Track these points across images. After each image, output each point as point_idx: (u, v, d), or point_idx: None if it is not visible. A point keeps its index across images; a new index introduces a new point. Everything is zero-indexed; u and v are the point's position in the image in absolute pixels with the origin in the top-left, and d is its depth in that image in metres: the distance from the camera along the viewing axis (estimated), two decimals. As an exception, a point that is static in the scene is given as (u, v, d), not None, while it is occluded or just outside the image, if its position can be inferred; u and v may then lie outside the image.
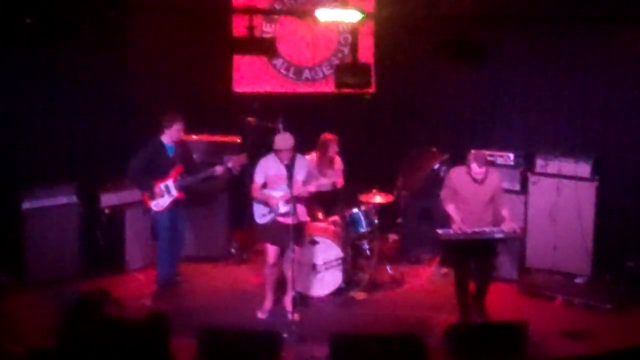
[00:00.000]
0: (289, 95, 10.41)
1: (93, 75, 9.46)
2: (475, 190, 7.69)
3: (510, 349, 5.85)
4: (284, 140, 7.77)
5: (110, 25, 9.13)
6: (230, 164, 8.29)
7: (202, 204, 9.23)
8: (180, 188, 8.36)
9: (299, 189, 7.72)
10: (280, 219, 7.83)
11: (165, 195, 8.31)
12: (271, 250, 7.99)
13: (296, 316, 7.74)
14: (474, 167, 7.59)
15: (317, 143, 9.00)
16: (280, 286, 8.20)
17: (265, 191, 7.88)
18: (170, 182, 8.32)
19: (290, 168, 7.74)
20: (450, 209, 7.80)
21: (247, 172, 8.39)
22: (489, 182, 7.73)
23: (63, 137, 9.42)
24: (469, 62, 9.13)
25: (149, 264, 9.09)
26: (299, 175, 7.82)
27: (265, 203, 7.86)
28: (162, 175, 8.30)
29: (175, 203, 8.39)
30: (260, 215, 7.95)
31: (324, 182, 8.10)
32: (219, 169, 8.34)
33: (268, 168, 7.88)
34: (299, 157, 7.90)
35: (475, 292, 7.93)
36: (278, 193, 7.83)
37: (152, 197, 8.30)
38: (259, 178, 7.92)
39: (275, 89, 10.49)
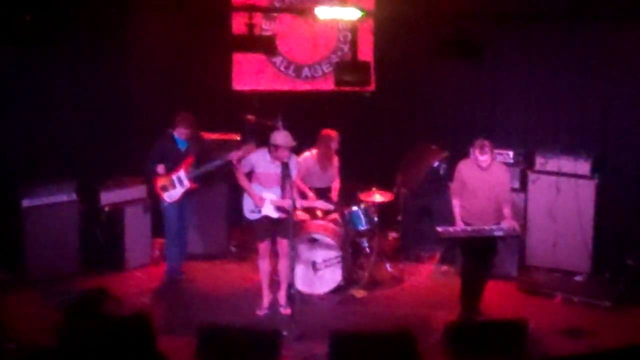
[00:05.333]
0: (288, 93, 10.40)
1: (92, 72, 9.45)
2: (483, 180, 7.66)
3: (509, 346, 5.85)
4: (285, 137, 7.73)
5: (109, 22, 9.15)
6: (241, 153, 8.30)
7: (201, 199, 9.28)
8: (192, 179, 8.42)
9: (296, 200, 7.63)
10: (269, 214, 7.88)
11: (177, 186, 8.41)
12: (261, 245, 8.02)
13: (288, 310, 7.76)
14: (477, 154, 7.60)
15: (317, 139, 9.00)
16: (277, 282, 8.24)
17: (256, 187, 7.88)
18: (182, 173, 8.40)
19: (285, 169, 7.72)
20: (455, 204, 7.83)
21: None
22: (498, 175, 7.71)
23: (63, 135, 9.40)
24: (468, 60, 9.13)
25: (148, 262, 9.11)
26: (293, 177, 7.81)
27: (250, 196, 7.86)
28: (174, 167, 8.36)
29: (187, 194, 8.45)
30: (250, 210, 7.95)
31: (321, 205, 8.11)
32: (230, 155, 8.31)
33: (257, 163, 7.85)
34: (292, 157, 7.89)
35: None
36: (270, 195, 7.83)
37: (164, 188, 8.39)
38: (244, 166, 7.93)
39: (274, 87, 10.48)
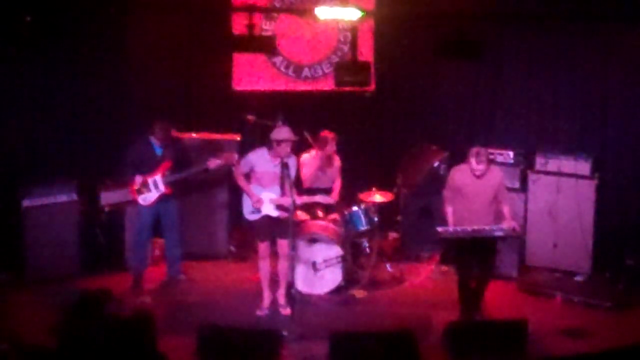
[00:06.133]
0: (288, 93, 10.39)
1: (92, 73, 9.45)
2: (477, 187, 7.68)
3: (510, 347, 5.86)
4: (285, 132, 7.76)
5: (109, 23, 9.15)
6: (220, 161, 8.33)
7: (201, 199, 9.31)
8: (168, 183, 8.41)
9: (296, 198, 7.60)
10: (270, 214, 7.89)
11: (153, 190, 8.40)
12: (261, 246, 8.02)
13: (288, 311, 7.75)
14: (473, 162, 7.61)
15: (316, 140, 9.00)
16: (277, 282, 8.24)
17: (256, 187, 7.88)
18: (158, 177, 8.39)
19: (284, 168, 7.72)
20: (448, 211, 7.84)
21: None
22: (491, 179, 7.73)
23: (63, 135, 9.41)
24: (468, 60, 9.13)
25: (148, 262, 9.09)
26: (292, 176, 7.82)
27: (249, 196, 7.87)
28: (150, 171, 8.37)
29: (163, 198, 8.44)
30: (249, 211, 7.96)
31: (321, 199, 8.14)
32: (209, 163, 8.38)
33: (256, 163, 7.87)
34: (292, 156, 7.89)
35: (473, 290, 7.93)
36: (269, 194, 7.83)
37: (139, 191, 8.40)
38: (242, 167, 7.95)
39: (274, 87, 10.47)
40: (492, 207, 7.74)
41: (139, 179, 8.37)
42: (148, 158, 8.42)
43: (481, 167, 7.61)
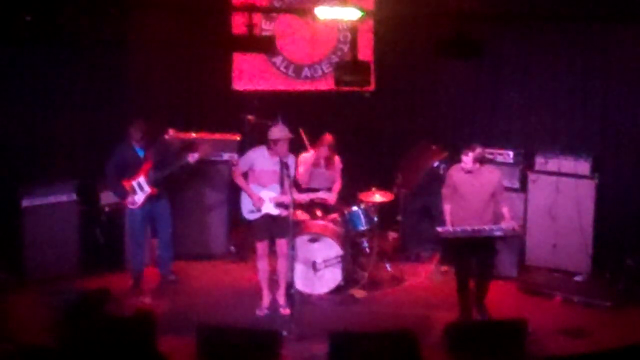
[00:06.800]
0: (288, 93, 10.41)
1: (92, 72, 9.46)
2: (473, 185, 7.69)
3: (509, 346, 5.85)
4: (281, 130, 7.76)
5: (109, 22, 9.13)
6: (198, 155, 8.39)
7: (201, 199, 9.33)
8: (152, 183, 8.41)
9: (295, 196, 7.64)
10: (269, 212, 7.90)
11: (138, 192, 8.41)
12: (259, 245, 8.03)
13: (287, 311, 7.76)
14: (463, 157, 7.63)
15: (313, 140, 9.00)
16: (277, 282, 8.24)
17: (255, 187, 7.89)
18: (142, 179, 8.40)
19: (284, 167, 7.73)
20: (446, 209, 7.88)
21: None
22: (488, 178, 7.73)
23: (63, 135, 9.41)
24: (468, 59, 9.13)
25: (148, 262, 9.10)
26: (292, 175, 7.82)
27: (249, 196, 7.88)
28: (134, 173, 8.38)
29: (152, 199, 8.45)
30: (249, 211, 7.96)
31: (324, 195, 8.19)
32: (188, 158, 8.42)
33: (256, 160, 7.88)
34: (291, 156, 7.90)
35: (475, 290, 7.94)
36: (269, 193, 7.84)
37: (127, 196, 8.41)
38: (242, 166, 7.98)
39: (274, 87, 10.48)
40: (490, 208, 7.75)
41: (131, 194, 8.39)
42: (131, 161, 8.40)
43: (466, 159, 7.62)
